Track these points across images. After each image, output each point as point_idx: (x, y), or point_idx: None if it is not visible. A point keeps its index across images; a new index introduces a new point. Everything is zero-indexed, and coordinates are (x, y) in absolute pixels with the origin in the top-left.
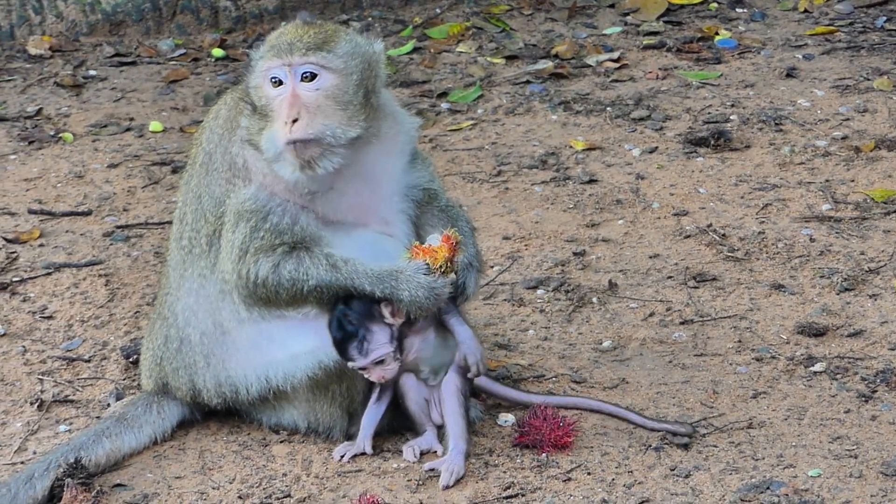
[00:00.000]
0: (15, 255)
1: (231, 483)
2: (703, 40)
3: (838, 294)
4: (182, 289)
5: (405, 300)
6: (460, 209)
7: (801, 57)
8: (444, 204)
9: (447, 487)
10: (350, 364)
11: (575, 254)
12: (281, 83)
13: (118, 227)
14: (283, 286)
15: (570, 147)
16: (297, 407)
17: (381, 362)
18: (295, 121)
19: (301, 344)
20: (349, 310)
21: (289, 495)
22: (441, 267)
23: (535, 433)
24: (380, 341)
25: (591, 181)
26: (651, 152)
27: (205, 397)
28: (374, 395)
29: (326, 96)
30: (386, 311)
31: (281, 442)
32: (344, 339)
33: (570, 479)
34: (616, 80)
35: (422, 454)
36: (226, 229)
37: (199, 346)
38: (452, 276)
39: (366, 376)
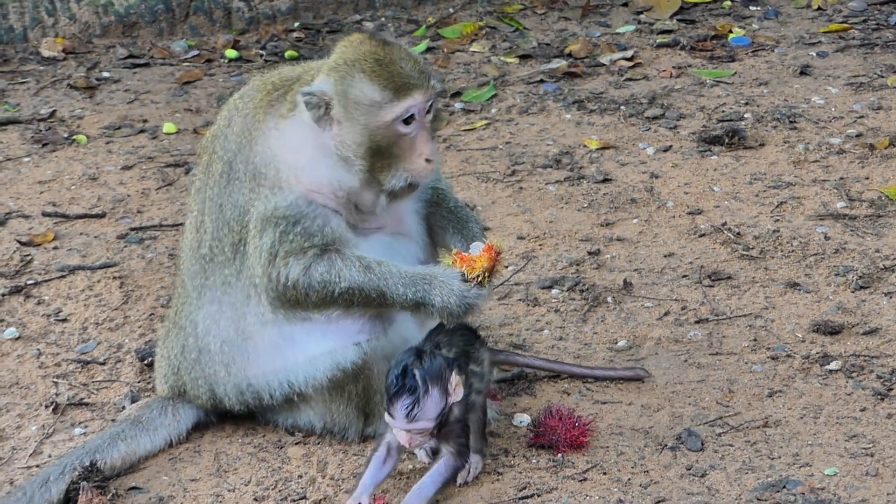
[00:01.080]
0: (29, 257)
1: (246, 485)
2: (716, 38)
3: (853, 292)
4: (203, 297)
5: (436, 305)
6: (470, 210)
7: (814, 54)
8: (454, 205)
9: (465, 484)
10: (387, 418)
11: (589, 253)
12: (412, 119)
13: (132, 229)
14: (313, 288)
15: (584, 146)
16: (314, 408)
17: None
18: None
19: (320, 346)
20: (419, 363)
21: (304, 497)
22: (478, 276)
23: (551, 433)
24: (430, 413)
25: (606, 180)
26: (665, 151)
27: (227, 404)
28: (382, 452)
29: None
30: (454, 381)
31: (296, 444)
32: (398, 392)
33: (585, 480)
34: (630, 79)
35: (435, 454)
36: (252, 236)
37: (219, 356)
38: (487, 289)
39: (394, 433)
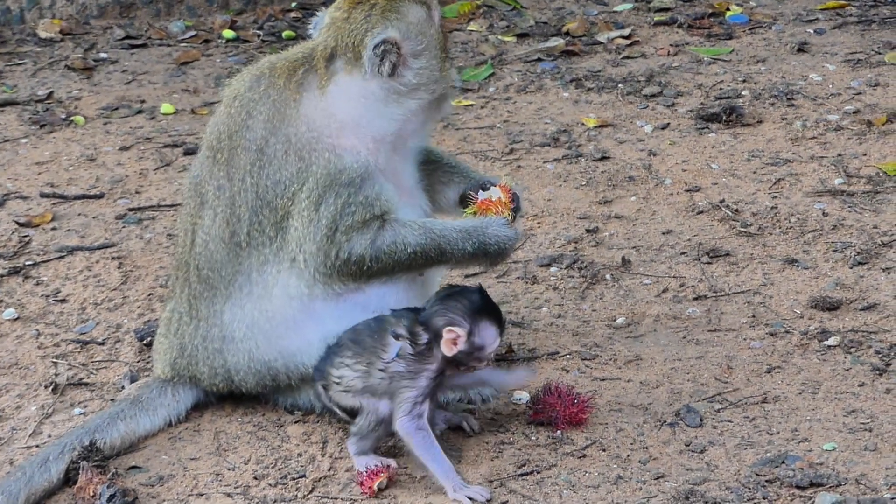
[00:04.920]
0: (28, 238)
1: (246, 464)
2: (714, 16)
3: (851, 268)
4: (233, 285)
5: (492, 252)
6: (465, 164)
7: (812, 31)
8: (452, 160)
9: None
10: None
11: (588, 231)
12: None
13: (130, 209)
14: (379, 260)
15: (582, 124)
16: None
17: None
18: None
19: (339, 325)
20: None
21: (304, 475)
22: (509, 216)
23: (550, 410)
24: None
25: (604, 158)
26: (663, 128)
27: (244, 389)
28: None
29: None
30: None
31: (296, 422)
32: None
33: (585, 456)
34: (627, 57)
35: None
36: (303, 206)
37: (242, 342)
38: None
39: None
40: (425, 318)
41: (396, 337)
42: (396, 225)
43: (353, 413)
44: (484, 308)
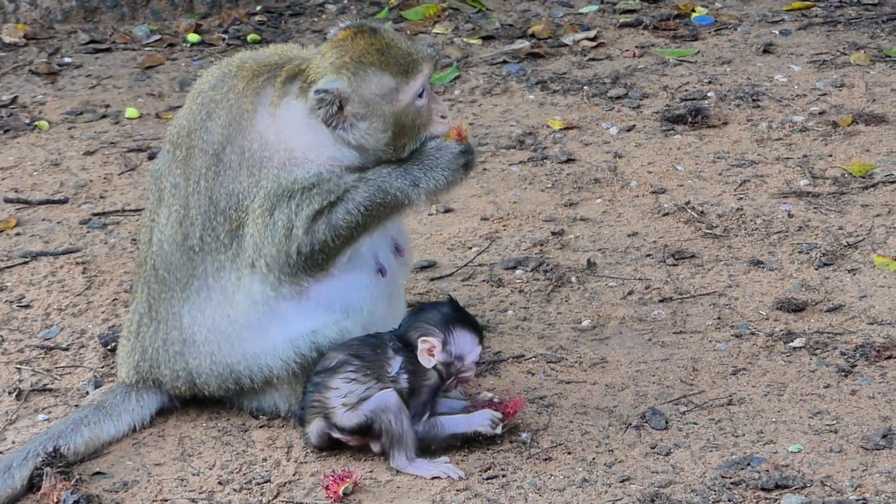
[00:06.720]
0: None
1: (211, 469)
2: (679, 17)
3: (817, 269)
4: (189, 288)
5: (444, 175)
6: None
7: (777, 33)
8: None
9: None
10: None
11: (553, 233)
12: (423, 90)
13: (95, 214)
14: (340, 235)
15: (548, 126)
16: (280, 390)
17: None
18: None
19: (304, 326)
20: None
21: (269, 480)
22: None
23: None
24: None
25: (569, 160)
26: (628, 130)
27: (206, 392)
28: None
29: None
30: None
31: (261, 427)
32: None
33: (550, 459)
34: (593, 59)
35: None
36: (257, 215)
37: (204, 345)
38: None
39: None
40: (401, 334)
41: (397, 351)
42: (345, 196)
43: (363, 431)
44: (455, 317)
